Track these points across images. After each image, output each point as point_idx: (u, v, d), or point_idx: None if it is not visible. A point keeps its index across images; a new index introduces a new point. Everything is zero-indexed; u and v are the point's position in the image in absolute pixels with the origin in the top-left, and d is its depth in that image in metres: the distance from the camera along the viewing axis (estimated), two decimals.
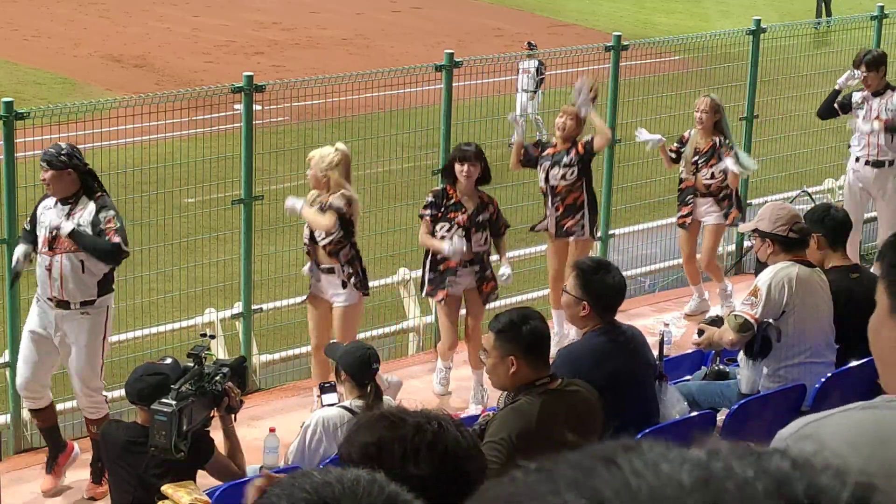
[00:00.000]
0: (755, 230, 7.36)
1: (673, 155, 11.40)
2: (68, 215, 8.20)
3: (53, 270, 8.25)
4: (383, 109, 12.69)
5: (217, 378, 6.53)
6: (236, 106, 10.49)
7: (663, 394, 6.78)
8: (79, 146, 8.61)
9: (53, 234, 8.22)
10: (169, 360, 6.85)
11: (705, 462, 1.06)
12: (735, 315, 7.21)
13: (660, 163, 13.56)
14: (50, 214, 8.26)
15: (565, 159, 10.46)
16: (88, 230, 8.19)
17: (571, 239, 10.62)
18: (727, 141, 11.21)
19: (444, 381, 10.08)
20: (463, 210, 9.55)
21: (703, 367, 7.83)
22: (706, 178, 11.24)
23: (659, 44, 16.58)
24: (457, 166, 9.52)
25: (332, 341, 8.29)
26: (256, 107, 10.50)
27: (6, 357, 9.29)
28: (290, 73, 22.26)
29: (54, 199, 8.25)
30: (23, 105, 10.01)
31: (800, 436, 2.33)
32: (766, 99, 14.39)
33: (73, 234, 8.15)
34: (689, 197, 11.36)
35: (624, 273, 11.76)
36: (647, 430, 6.36)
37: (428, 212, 9.63)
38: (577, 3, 36.45)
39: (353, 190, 9.22)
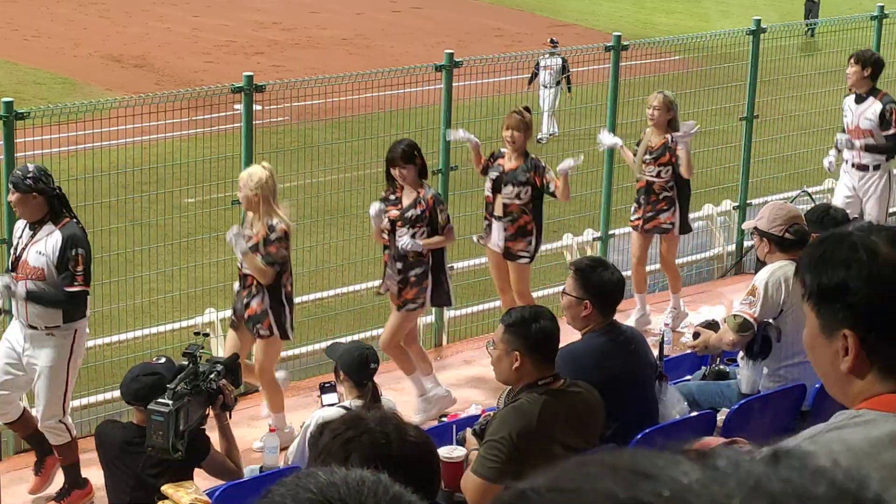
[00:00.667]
0: (755, 228, 7.38)
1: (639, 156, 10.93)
2: (30, 239, 7.91)
3: (18, 294, 7.93)
4: (383, 109, 12.69)
5: (212, 376, 6.52)
6: (236, 106, 10.49)
7: (663, 394, 6.78)
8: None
9: (18, 256, 7.97)
10: (163, 360, 6.85)
11: (721, 473, 1.07)
12: (734, 315, 7.22)
13: None
14: (22, 238, 8.00)
15: (521, 177, 10.02)
16: (52, 258, 7.84)
17: (513, 263, 10.24)
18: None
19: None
20: (399, 205, 9.36)
21: (703, 368, 7.82)
22: (650, 175, 10.81)
23: (659, 44, 16.59)
24: (391, 170, 9.36)
25: (333, 341, 8.30)
26: (256, 107, 10.50)
27: None
28: (290, 73, 22.26)
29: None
30: (23, 105, 10.01)
31: None
32: (766, 99, 14.39)
33: (30, 298, 7.85)
34: (642, 198, 10.95)
35: (624, 273, 11.77)
36: (647, 430, 6.37)
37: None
38: (577, 3, 36.46)
39: (286, 208, 8.76)
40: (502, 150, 10.18)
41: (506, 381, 5.95)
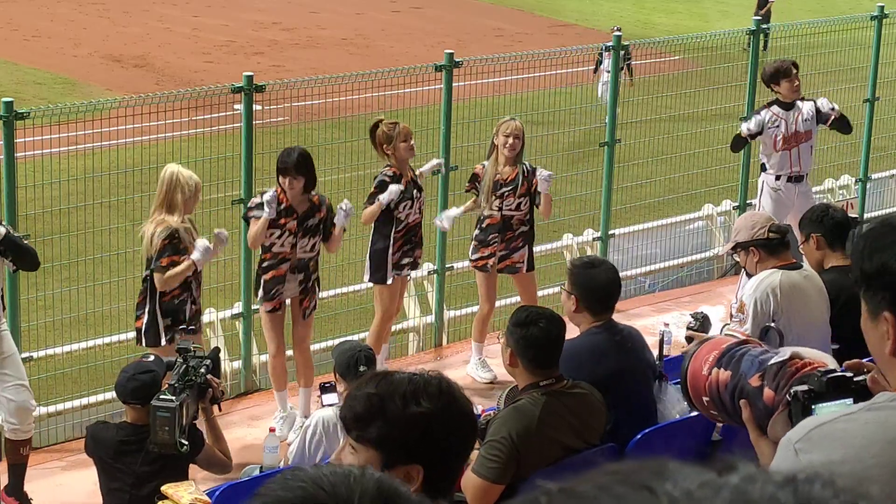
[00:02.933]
0: (735, 247, 7.31)
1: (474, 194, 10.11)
2: None
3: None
4: (383, 109, 12.68)
5: (201, 370, 6.54)
6: (236, 106, 10.49)
7: (663, 394, 6.78)
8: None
9: None
10: (152, 357, 6.86)
11: (743, 488, 1.06)
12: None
13: (660, 163, 13.59)
14: None
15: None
16: None
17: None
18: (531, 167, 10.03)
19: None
20: (294, 215, 9.01)
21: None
22: (509, 209, 9.94)
23: (659, 44, 16.59)
24: (280, 178, 8.95)
25: (343, 340, 8.33)
26: (256, 107, 10.50)
27: None
28: (290, 73, 22.27)
29: None
30: (23, 105, 10.01)
31: (808, 441, 2.35)
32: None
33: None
34: (492, 236, 10.02)
35: (624, 273, 11.76)
36: (647, 430, 6.37)
37: (254, 213, 9.02)
38: (577, 3, 36.47)
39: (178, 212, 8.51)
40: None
41: (512, 376, 6.01)
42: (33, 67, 25.40)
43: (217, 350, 7.27)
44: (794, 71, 11.39)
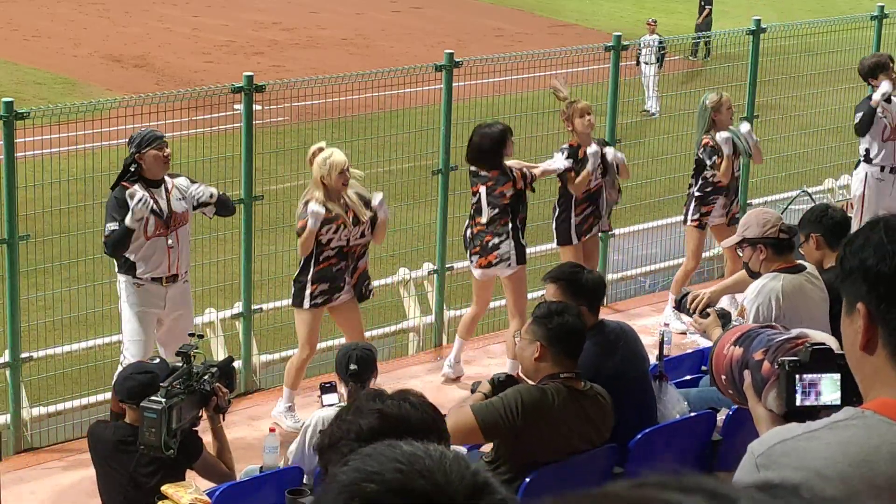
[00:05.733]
0: (742, 241, 7.27)
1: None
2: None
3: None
4: (383, 109, 12.69)
5: (205, 377, 6.51)
6: (236, 106, 10.49)
7: (663, 394, 6.77)
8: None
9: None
10: (157, 360, 6.85)
11: None
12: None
13: (660, 163, 13.59)
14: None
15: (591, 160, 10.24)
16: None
17: (590, 236, 10.51)
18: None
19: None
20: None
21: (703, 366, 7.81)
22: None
23: (659, 44, 16.58)
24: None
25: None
26: (256, 107, 10.50)
27: (6, 357, 9.29)
28: (290, 73, 22.27)
29: None
30: (23, 105, 10.01)
31: (768, 456, 2.36)
32: (766, 99, 14.39)
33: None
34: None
35: (624, 273, 11.77)
36: (647, 430, 6.37)
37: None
38: (577, 3, 36.46)
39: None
40: (565, 146, 10.33)
41: (527, 373, 6.05)
42: (33, 67, 25.40)
43: (230, 359, 7.18)
44: (892, 65, 11.63)
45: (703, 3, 30.57)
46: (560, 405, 5.79)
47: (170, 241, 8.77)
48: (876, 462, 2.28)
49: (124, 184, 8.64)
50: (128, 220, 8.54)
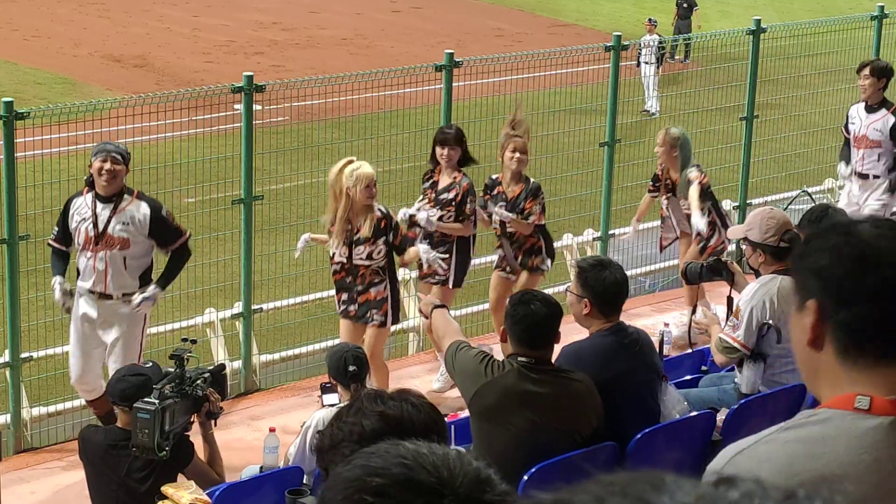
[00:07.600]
0: (745, 238, 7.29)
1: None
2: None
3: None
4: (383, 109, 12.69)
5: (198, 382, 6.49)
6: (236, 106, 10.49)
7: (663, 394, 6.76)
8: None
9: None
10: (150, 364, 6.84)
11: None
12: (720, 338, 7.19)
13: None
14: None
15: (521, 205, 9.81)
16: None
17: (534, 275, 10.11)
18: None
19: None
20: (434, 188, 9.72)
21: (702, 367, 7.81)
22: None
23: (659, 44, 16.58)
24: (438, 149, 9.68)
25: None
26: (256, 107, 10.50)
27: (6, 357, 9.29)
28: (290, 73, 22.27)
29: None
30: (23, 105, 10.01)
31: (734, 465, 2.41)
32: (766, 99, 14.39)
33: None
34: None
35: (627, 273, 11.70)
36: (647, 430, 6.37)
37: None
38: (577, 3, 36.46)
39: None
40: (494, 176, 10.07)
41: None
42: (33, 67, 25.40)
43: (221, 366, 7.16)
44: (865, 72, 11.61)
45: (679, 2, 30.27)
46: (508, 380, 5.95)
47: (98, 261, 8.52)
48: (835, 451, 2.32)
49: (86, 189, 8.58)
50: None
